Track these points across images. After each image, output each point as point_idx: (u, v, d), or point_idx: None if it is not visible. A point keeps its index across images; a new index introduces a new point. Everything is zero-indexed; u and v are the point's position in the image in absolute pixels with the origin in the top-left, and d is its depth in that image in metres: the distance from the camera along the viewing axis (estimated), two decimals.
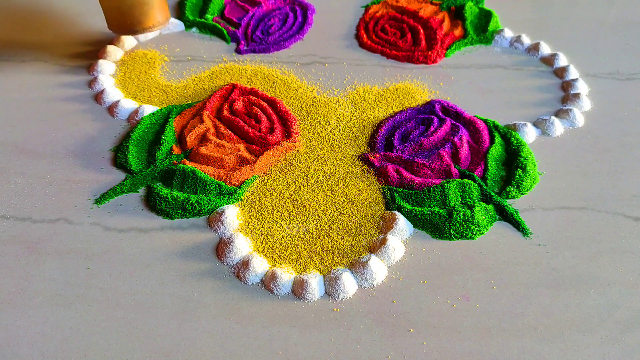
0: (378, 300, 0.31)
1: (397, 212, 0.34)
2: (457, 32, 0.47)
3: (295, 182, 0.36)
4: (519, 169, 0.36)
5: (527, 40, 0.46)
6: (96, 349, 0.28)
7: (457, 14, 0.49)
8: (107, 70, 0.43)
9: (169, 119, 0.39)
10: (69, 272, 0.31)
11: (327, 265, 0.32)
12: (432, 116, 0.40)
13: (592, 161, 0.38)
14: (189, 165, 0.36)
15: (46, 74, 0.41)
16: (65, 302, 0.30)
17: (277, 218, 0.34)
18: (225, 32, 0.47)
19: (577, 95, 0.42)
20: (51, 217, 0.34)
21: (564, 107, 0.41)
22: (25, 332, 0.29)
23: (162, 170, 0.36)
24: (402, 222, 0.33)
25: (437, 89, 0.43)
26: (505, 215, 0.34)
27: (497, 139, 0.38)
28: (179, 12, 0.50)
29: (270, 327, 0.29)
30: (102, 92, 0.42)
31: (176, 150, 0.37)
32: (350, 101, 0.41)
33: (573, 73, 0.44)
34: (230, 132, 0.38)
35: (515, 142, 0.38)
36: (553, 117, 0.40)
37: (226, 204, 0.35)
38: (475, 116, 0.40)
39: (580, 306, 0.30)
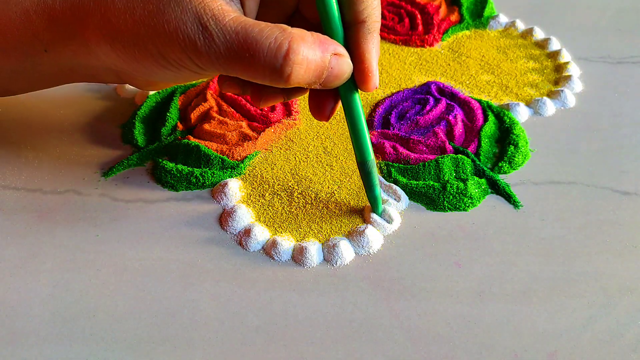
0: (374, 267, 0.32)
1: (393, 185, 0.35)
2: (454, 17, 0.48)
3: (295, 158, 0.37)
4: (511, 146, 0.38)
5: (521, 25, 0.48)
6: (105, 309, 0.30)
7: (453, 0, 0.50)
8: None
9: (174, 98, 0.40)
10: (78, 239, 0.33)
11: (325, 234, 0.33)
12: (428, 96, 0.41)
13: (582, 139, 0.39)
14: (193, 141, 0.37)
15: None
16: (75, 267, 0.32)
17: (278, 190, 0.36)
18: None
19: (568, 77, 0.43)
20: (61, 188, 0.36)
21: (556, 89, 0.42)
22: (37, 294, 0.30)
23: (167, 145, 0.38)
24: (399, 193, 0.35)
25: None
26: (497, 188, 0.36)
27: (491, 117, 0.40)
28: None
29: (270, 290, 0.31)
30: None
31: (181, 127, 0.39)
32: None
33: (566, 56, 0.45)
34: (232, 110, 0.40)
35: (508, 120, 0.39)
36: (545, 98, 0.41)
37: (229, 177, 0.36)
38: (469, 96, 0.41)
39: (568, 273, 0.32)
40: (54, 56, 0.31)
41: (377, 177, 0.33)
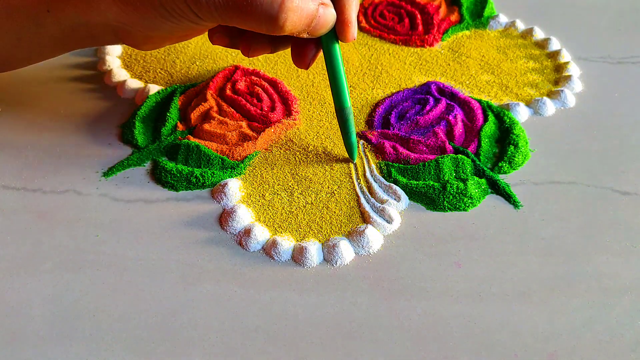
0: (374, 267, 0.32)
1: (393, 185, 0.35)
2: (454, 17, 0.48)
3: (295, 158, 0.37)
4: (511, 146, 0.38)
5: (521, 25, 0.48)
6: (105, 309, 0.30)
7: (453, 1, 0.50)
8: (113, 52, 0.45)
9: (174, 98, 0.40)
10: (79, 239, 0.33)
11: (325, 234, 0.33)
12: (428, 96, 0.41)
13: (582, 139, 0.39)
14: (193, 140, 0.37)
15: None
16: (75, 267, 0.32)
17: (278, 190, 0.36)
18: None
19: (568, 77, 0.43)
20: (61, 188, 0.36)
21: (556, 89, 0.42)
22: (37, 294, 0.30)
23: (167, 145, 0.38)
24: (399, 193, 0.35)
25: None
26: (497, 188, 0.36)
27: (491, 117, 0.40)
28: None
29: (270, 290, 0.31)
30: (109, 72, 0.43)
31: (181, 127, 0.39)
32: (349, 82, 0.43)
33: (566, 56, 0.45)
34: (232, 110, 0.40)
35: (508, 120, 0.39)
36: (545, 98, 0.41)
37: (229, 177, 0.36)
38: (469, 96, 0.41)
39: (568, 273, 0.32)
40: (57, 15, 0.32)
41: (353, 125, 0.35)
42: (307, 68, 0.34)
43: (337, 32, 0.33)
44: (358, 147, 0.37)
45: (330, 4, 0.31)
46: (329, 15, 0.31)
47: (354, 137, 0.36)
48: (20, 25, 0.33)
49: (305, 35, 0.31)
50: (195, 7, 0.29)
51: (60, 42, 0.35)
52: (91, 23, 0.32)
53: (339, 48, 0.33)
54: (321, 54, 0.34)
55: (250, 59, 0.44)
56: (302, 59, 0.34)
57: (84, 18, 0.32)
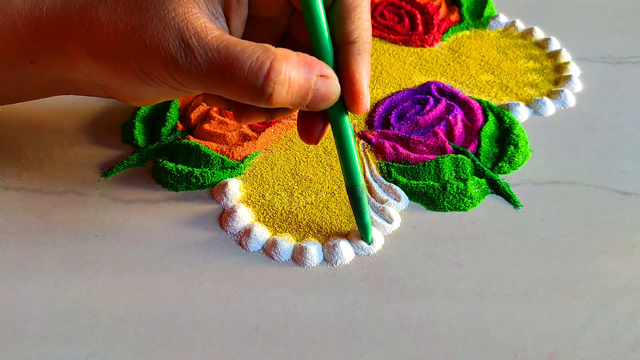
0: (374, 267, 0.32)
1: (393, 185, 0.35)
2: (454, 17, 0.49)
3: (295, 158, 0.37)
4: (511, 146, 0.38)
5: (521, 25, 0.48)
6: (105, 309, 0.30)
7: (453, 1, 0.50)
8: None
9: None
10: (79, 239, 0.33)
11: (325, 234, 0.33)
12: (428, 96, 0.41)
13: (582, 139, 0.39)
14: (193, 141, 0.37)
15: None
16: (75, 267, 0.32)
17: (278, 190, 0.36)
18: None
19: (568, 77, 0.43)
20: (61, 189, 0.36)
21: (556, 89, 0.42)
22: (37, 294, 0.30)
23: (167, 145, 0.38)
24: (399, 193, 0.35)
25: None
26: (497, 188, 0.36)
27: (491, 117, 0.40)
28: None
29: (270, 290, 0.31)
30: None
31: (181, 127, 0.39)
32: None
33: (566, 56, 0.45)
34: None
35: (508, 120, 0.39)
36: (545, 98, 0.41)
37: (229, 177, 0.36)
38: (469, 96, 0.41)
39: (569, 273, 0.32)
40: (41, 68, 0.31)
41: (367, 204, 0.31)
42: (316, 143, 0.30)
43: (346, 103, 0.28)
44: (359, 149, 0.37)
45: (333, 75, 0.27)
46: (331, 88, 0.27)
47: (368, 218, 0.32)
48: (4, 74, 0.31)
49: (304, 109, 0.28)
50: (176, 74, 0.26)
51: (47, 91, 0.33)
52: (76, 79, 0.30)
53: (349, 121, 0.29)
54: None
55: None
56: (308, 134, 0.30)
57: (67, 75, 0.30)
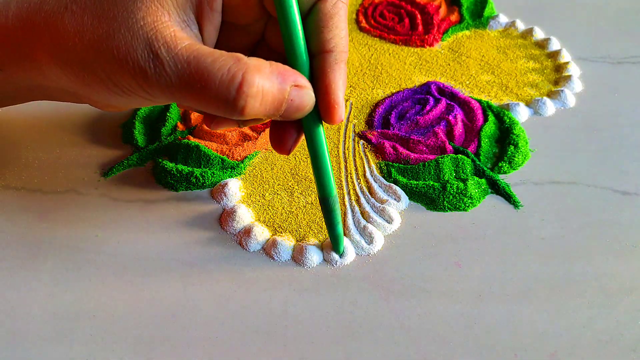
0: (374, 267, 0.32)
1: (393, 185, 0.35)
2: (454, 17, 0.48)
3: (295, 158, 0.37)
4: (511, 146, 0.38)
5: (521, 25, 0.48)
6: (105, 308, 0.30)
7: (453, 1, 0.50)
8: None
9: None
10: (79, 239, 0.33)
11: (325, 234, 0.33)
12: (428, 96, 0.41)
13: (582, 139, 0.39)
14: (193, 141, 0.37)
15: None
16: (75, 266, 0.32)
17: (278, 190, 0.36)
18: None
19: (568, 77, 0.43)
20: (60, 188, 0.36)
21: (556, 89, 0.42)
22: (37, 293, 0.30)
23: (167, 145, 0.38)
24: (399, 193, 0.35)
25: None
26: (497, 188, 0.36)
27: (491, 117, 0.40)
28: None
29: (270, 290, 0.31)
30: None
31: (181, 127, 0.39)
32: (349, 82, 0.43)
33: (566, 56, 0.45)
34: None
35: (508, 120, 0.39)
36: (545, 98, 0.41)
37: (229, 177, 0.36)
38: (469, 96, 0.41)
39: (569, 273, 0.32)
40: (9, 75, 0.30)
41: (339, 215, 0.31)
42: (288, 154, 0.29)
43: (320, 113, 0.28)
44: (359, 150, 0.37)
45: (308, 85, 0.26)
46: (305, 97, 0.26)
47: (340, 229, 0.31)
48: None
49: (277, 119, 0.27)
50: (145, 85, 0.25)
51: (19, 98, 0.33)
52: (45, 86, 0.30)
53: (322, 130, 0.28)
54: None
55: None
56: (281, 144, 0.29)
57: (37, 82, 0.29)
